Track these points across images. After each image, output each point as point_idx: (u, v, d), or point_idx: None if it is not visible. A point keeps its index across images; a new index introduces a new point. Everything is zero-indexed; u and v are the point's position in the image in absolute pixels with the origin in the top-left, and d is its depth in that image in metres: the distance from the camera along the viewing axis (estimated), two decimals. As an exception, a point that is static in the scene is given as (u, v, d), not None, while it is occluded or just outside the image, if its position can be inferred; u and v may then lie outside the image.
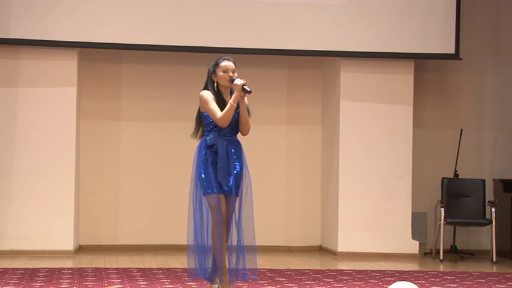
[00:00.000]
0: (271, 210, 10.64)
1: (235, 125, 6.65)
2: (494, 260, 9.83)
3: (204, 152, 6.60)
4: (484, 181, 10.47)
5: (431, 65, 10.82)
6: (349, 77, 10.17)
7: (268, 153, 10.69)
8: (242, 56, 10.24)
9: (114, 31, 9.64)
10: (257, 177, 10.49)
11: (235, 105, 6.52)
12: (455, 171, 10.54)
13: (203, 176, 6.54)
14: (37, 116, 9.66)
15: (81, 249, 10.14)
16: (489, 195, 10.52)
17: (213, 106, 6.57)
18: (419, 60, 10.43)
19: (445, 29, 10.06)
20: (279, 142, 10.75)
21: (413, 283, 5.62)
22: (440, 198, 10.31)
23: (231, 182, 6.57)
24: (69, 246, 9.64)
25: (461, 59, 10.28)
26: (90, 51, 10.07)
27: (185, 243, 6.80)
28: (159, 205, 10.46)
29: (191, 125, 7.08)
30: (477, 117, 10.99)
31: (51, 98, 9.69)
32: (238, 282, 6.95)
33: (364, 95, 10.17)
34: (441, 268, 9.28)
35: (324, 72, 10.80)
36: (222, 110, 6.55)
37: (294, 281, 7.62)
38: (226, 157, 6.59)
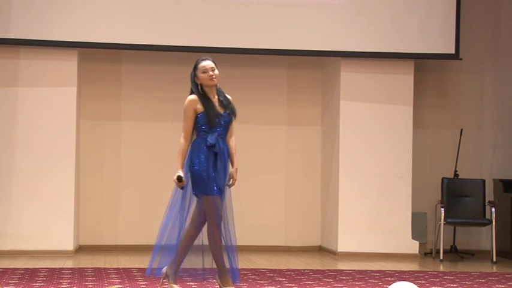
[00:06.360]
0: (271, 210, 10.64)
1: (226, 126, 6.66)
2: (494, 260, 9.82)
3: (204, 151, 6.52)
4: (484, 181, 10.47)
5: (431, 65, 10.82)
6: (349, 77, 10.16)
7: (268, 153, 10.69)
8: (242, 56, 10.28)
9: (114, 31, 9.64)
10: (257, 177, 10.65)
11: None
12: (455, 171, 10.54)
13: (204, 175, 6.47)
14: (37, 116, 9.66)
15: (81, 249, 10.14)
16: (489, 195, 10.51)
17: (186, 124, 6.55)
18: (419, 60, 10.42)
19: (445, 29, 10.06)
20: (279, 142, 10.75)
21: (413, 283, 5.62)
22: (440, 198, 10.31)
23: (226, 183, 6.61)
24: (69, 246, 9.64)
25: (461, 59, 10.27)
26: (90, 51, 10.07)
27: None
28: (159, 205, 10.42)
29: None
30: (477, 117, 10.99)
31: (51, 98, 9.69)
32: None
33: (364, 95, 10.17)
34: (441, 268, 9.28)
35: (324, 72, 10.79)
36: (207, 110, 6.54)
37: (294, 281, 7.61)
38: (224, 158, 6.60)
